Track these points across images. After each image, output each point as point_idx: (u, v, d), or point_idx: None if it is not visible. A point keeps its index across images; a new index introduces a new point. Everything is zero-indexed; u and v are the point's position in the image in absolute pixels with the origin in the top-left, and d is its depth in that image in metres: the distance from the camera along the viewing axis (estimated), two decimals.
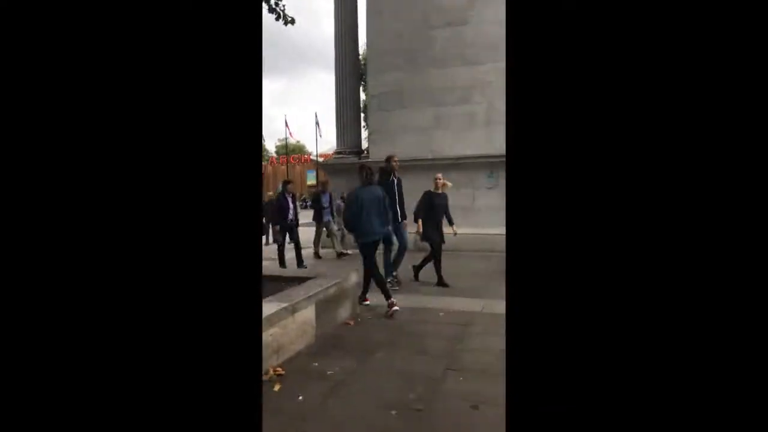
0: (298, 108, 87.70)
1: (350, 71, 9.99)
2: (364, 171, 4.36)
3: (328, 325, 3.69)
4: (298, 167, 36.43)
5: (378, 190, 4.34)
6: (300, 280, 4.11)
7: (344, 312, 3.99)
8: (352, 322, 3.94)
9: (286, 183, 7.34)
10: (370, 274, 4.33)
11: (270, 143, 52.19)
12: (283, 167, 34.40)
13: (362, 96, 11.42)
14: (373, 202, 4.20)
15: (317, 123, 30.02)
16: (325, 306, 3.67)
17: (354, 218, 4.17)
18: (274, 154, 45.72)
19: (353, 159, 9.63)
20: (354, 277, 4.23)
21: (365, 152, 10.01)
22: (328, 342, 3.44)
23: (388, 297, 4.11)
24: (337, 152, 10.17)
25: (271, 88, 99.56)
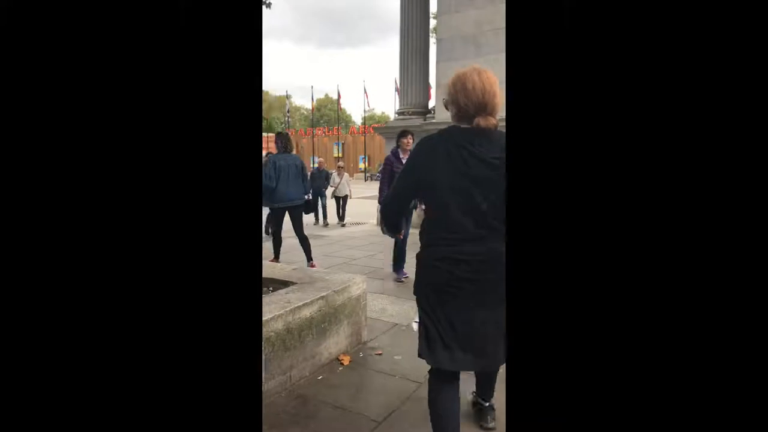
0: (385, 77, 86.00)
1: (418, 14, 8.25)
2: (281, 138, 4.62)
3: (302, 366, 2.23)
4: (377, 138, 35.24)
5: (296, 159, 4.56)
6: (279, 286, 2.69)
7: (337, 342, 2.50)
8: (346, 361, 2.44)
9: (402, 134, 4.30)
10: (277, 237, 4.68)
11: (357, 115, 52.27)
12: (362, 137, 33.47)
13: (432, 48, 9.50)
14: (290, 168, 4.44)
15: (396, 89, 28.43)
16: (298, 337, 2.21)
17: (270, 183, 4.36)
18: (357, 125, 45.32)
19: (417, 120, 7.96)
20: (359, 285, 2.70)
21: (432, 112, 8.25)
22: (288, 407, 1.98)
23: (309, 259, 4.65)
24: (398, 112, 8.53)
25: (361, 57, 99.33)
